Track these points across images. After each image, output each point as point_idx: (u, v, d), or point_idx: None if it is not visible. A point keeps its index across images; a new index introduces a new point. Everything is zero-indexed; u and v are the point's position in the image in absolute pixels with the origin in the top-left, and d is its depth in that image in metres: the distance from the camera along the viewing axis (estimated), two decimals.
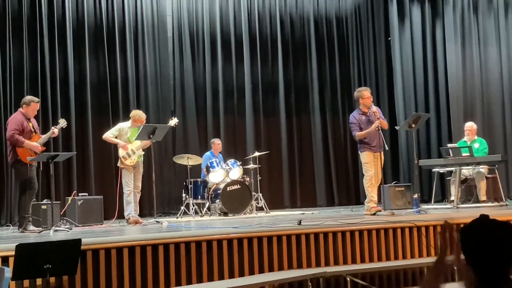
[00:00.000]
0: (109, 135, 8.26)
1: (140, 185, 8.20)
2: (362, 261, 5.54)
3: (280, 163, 11.95)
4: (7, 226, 8.68)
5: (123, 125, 8.32)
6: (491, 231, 2.01)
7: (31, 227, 7.16)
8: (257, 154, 10.12)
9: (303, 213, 9.09)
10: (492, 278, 1.97)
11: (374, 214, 7.49)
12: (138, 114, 8.30)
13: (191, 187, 9.39)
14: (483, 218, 2.05)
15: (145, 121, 8.30)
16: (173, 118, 8.89)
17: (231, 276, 5.08)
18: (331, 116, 12.50)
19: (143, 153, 8.28)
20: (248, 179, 9.69)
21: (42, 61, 9.96)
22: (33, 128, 7.41)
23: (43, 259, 4.02)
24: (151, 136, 7.94)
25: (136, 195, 8.13)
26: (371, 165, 7.70)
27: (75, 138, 10.08)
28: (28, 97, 7.58)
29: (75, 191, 9.02)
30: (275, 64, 12.16)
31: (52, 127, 7.65)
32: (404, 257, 5.68)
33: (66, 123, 7.84)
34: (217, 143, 10.30)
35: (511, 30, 11.78)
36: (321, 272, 5.10)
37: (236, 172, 9.57)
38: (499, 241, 1.98)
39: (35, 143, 7.25)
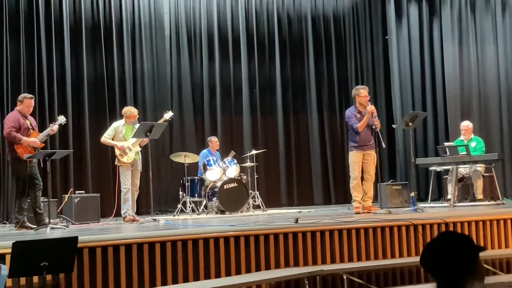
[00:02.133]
0: (106, 137, 8.24)
1: (138, 183, 8.19)
2: (359, 259, 5.54)
3: (277, 161, 11.95)
4: (4, 223, 8.67)
5: (118, 124, 8.32)
6: (449, 246, 2.16)
7: (46, 220, 7.05)
8: (254, 152, 10.12)
9: (300, 211, 9.09)
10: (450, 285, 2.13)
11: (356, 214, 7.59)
12: (129, 110, 8.35)
13: (188, 185, 9.39)
14: (443, 234, 2.25)
15: (137, 116, 8.32)
16: (168, 111, 8.88)
17: (228, 274, 5.08)
18: (328, 114, 12.51)
19: (140, 149, 8.26)
20: (245, 177, 9.70)
21: (39, 59, 9.94)
22: (31, 125, 7.37)
23: (40, 256, 4.02)
24: (148, 134, 7.95)
25: (134, 193, 8.12)
26: (356, 165, 7.82)
27: (72, 136, 10.06)
28: (22, 94, 7.56)
29: (72, 189, 9.01)
30: (273, 62, 12.15)
31: (51, 124, 7.62)
32: (400, 255, 5.70)
33: (65, 119, 7.81)
34: (214, 141, 10.30)
35: (508, 29, 11.79)
36: (318, 270, 5.11)
37: (233, 170, 9.56)
38: (456, 254, 2.14)
39: (33, 139, 7.21)
